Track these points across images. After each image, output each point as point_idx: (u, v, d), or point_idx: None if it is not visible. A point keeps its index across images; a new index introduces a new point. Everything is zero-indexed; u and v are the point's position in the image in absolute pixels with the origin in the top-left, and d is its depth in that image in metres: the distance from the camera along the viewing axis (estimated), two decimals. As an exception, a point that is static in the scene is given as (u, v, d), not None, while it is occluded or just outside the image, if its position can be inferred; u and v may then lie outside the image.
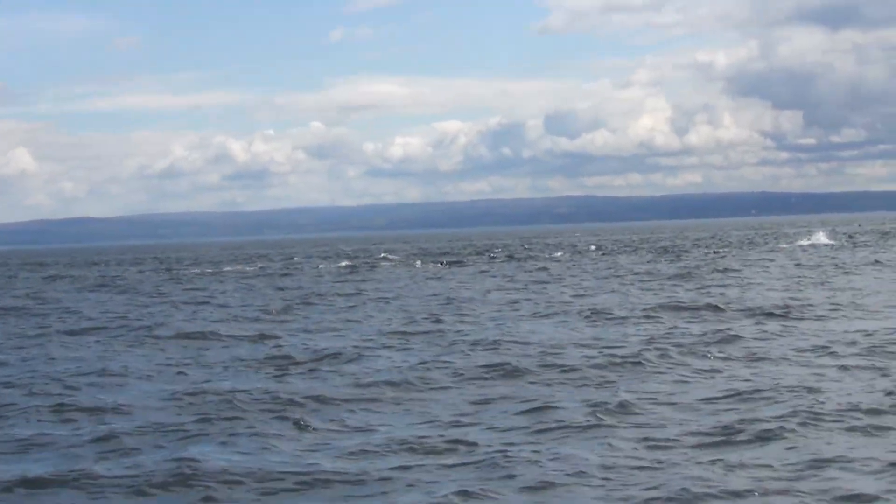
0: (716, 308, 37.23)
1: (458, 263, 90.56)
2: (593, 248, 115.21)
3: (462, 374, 24.70)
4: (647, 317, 35.78)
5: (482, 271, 74.59)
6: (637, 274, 62.82)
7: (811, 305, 37.37)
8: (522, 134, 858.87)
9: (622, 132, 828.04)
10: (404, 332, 34.03)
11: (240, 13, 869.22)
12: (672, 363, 25.21)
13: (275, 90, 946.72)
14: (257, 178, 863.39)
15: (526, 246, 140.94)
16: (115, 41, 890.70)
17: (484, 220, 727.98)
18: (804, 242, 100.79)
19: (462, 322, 37.10)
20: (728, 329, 31.29)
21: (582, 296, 46.65)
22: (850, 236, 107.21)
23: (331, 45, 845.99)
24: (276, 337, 34.22)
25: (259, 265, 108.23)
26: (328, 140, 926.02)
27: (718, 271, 62.17)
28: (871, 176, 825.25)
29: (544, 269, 74.16)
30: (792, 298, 40.33)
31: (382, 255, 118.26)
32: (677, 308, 38.07)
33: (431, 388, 23.16)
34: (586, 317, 36.67)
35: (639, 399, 20.71)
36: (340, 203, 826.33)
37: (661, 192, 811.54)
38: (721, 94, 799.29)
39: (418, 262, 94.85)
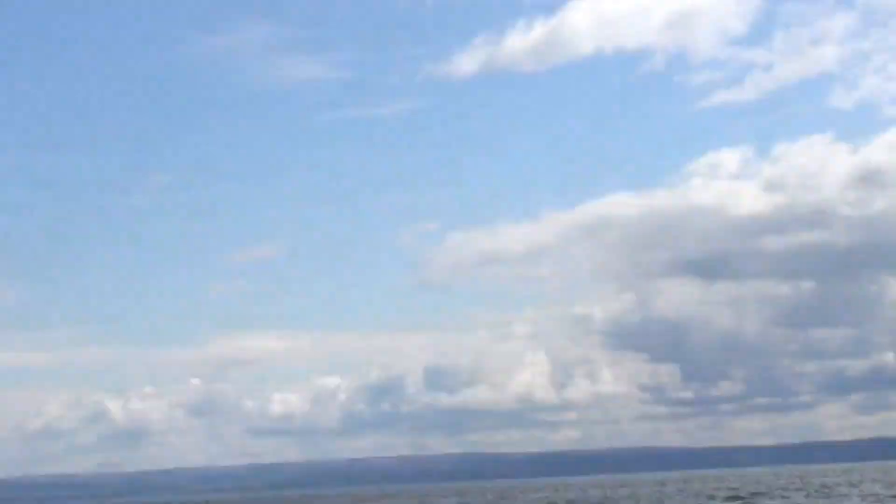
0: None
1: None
2: None
3: None
4: None
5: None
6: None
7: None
8: (402, 389, 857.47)
9: (501, 387, 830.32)
10: None
11: (113, 266, 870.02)
12: None
13: (152, 346, 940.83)
14: (135, 437, 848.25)
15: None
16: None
17: (366, 478, 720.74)
18: None
19: None
20: None
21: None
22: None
23: (208, 300, 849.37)
24: None
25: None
26: (206, 397, 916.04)
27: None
28: (749, 430, 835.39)
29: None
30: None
31: None
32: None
33: None
34: None
35: None
36: (220, 463, 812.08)
37: (541, 447, 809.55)
38: (598, 347, 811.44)
39: None
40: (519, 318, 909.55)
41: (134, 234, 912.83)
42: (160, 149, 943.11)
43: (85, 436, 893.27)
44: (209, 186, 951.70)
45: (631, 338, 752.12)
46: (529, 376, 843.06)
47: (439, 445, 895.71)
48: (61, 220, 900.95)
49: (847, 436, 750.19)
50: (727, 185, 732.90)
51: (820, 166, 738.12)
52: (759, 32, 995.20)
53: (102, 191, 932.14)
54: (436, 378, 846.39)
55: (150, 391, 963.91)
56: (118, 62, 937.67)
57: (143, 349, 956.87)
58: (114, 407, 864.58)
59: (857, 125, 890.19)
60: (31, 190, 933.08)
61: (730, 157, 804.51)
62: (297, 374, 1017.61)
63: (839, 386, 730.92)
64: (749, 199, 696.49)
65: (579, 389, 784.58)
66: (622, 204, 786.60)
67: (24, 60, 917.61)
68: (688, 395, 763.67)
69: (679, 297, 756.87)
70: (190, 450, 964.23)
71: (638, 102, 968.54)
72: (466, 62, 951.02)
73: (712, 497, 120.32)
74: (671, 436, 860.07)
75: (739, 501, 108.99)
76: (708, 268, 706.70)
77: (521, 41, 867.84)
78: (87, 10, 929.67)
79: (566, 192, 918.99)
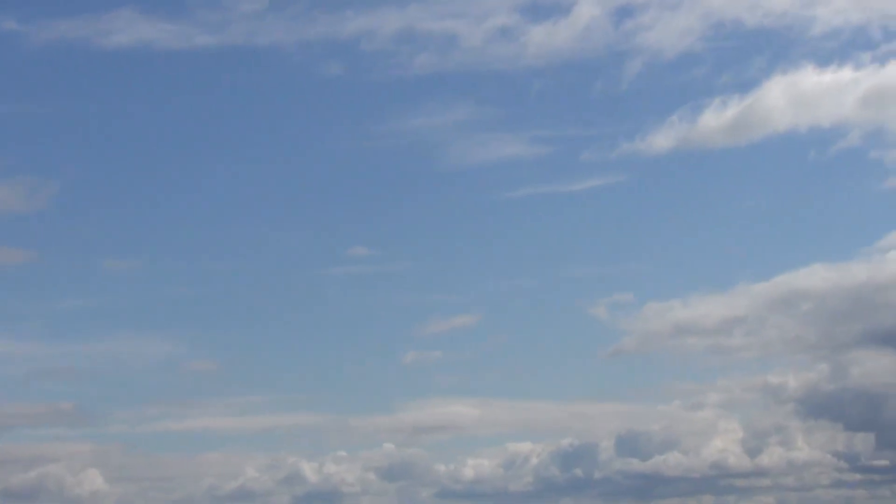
0: None
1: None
2: None
3: None
4: None
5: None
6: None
7: None
8: (594, 455, 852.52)
9: (694, 453, 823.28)
10: None
11: (313, 336, 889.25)
12: None
13: (347, 412, 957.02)
14: (328, 499, 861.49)
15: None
16: (191, 364, 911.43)
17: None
18: None
19: None
20: None
21: None
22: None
23: (402, 368, 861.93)
24: None
25: None
26: (399, 461, 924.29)
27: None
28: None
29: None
30: None
31: None
32: None
33: None
34: None
35: None
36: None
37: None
38: (792, 415, 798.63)
39: None
40: (712, 388, 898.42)
41: (334, 305, 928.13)
42: (360, 224, 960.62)
43: (279, 497, 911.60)
44: (406, 259, 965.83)
45: (825, 407, 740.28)
46: (722, 443, 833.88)
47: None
48: (264, 290, 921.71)
49: None
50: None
51: None
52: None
53: (303, 263, 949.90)
54: (628, 444, 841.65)
55: (344, 455, 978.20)
56: (328, 141, 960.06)
57: (338, 416, 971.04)
58: (308, 469, 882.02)
59: None
60: (235, 260, 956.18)
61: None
62: (490, 439, 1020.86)
63: None
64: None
65: (773, 457, 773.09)
66: (817, 276, 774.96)
67: (240, 136, 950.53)
68: (883, 462, 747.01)
69: (874, 368, 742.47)
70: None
71: (833, 177, 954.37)
72: (661, 139, 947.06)
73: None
74: (865, 502, 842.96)
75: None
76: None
77: (715, 119, 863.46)
78: (300, 95, 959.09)
79: (760, 265, 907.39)
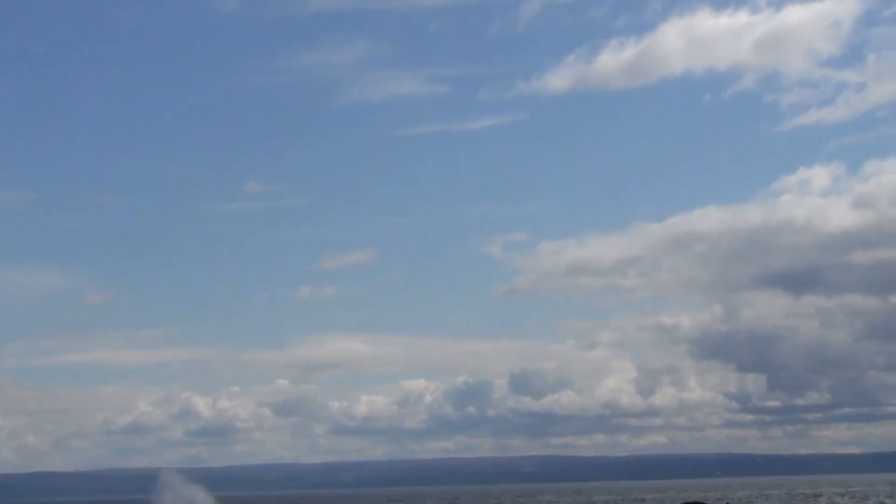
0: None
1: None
2: None
3: None
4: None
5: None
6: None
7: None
8: (488, 393, 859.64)
9: (587, 392, 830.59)
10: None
11: (207, 271, 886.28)
12: None
13: (240, 348, 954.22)
14: (222, 434, 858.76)
15: None
16: (86, 297, 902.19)
17: (449, 478, 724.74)
18: None
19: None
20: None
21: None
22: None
23: (296, 304, 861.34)
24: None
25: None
26: (293, 397, 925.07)
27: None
28: (835, 438, 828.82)
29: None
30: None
31: None
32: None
33: None
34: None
35: None
36: (305, 460, 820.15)
37: (626, 452, 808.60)
38: (685, 356, 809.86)
39: None
40: (606, 328, 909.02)
41: (228, 240, 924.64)
42: (256, 159, 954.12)
43: (173, 432, 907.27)
44: (302, 196, 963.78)
45: (718, 348, 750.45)
46: (615, 383, 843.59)
47: (524, 447, 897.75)
48: (158, 224, 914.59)
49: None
50: (817, 202, 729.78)
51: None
52: (850, 54, 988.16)
53: (198, 197, 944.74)
54: (522, 383, 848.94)
55: (238, 390, 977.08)
56: (222, 76, 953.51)
57: (232, 351, 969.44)
58: (202, 404, 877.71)
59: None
60: (130, 194, 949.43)
61: (820, 175, 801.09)
62: (384, 377, 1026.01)
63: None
64: (838, 216, 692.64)
65: (665, 396, 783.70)
66: (711, 218, 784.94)
67: (134, 70, 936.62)
68: (774, 403, 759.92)
69: (767, 310, 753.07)
70: (276, 447, 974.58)
71: (728, 121, 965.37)
72: (558, 80, 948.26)
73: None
74: (757, 443, 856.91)
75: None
76: (796, 281, 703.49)
77: (612, 60, 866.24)
78: (194, 31, 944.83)
79: (655, 206, 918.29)
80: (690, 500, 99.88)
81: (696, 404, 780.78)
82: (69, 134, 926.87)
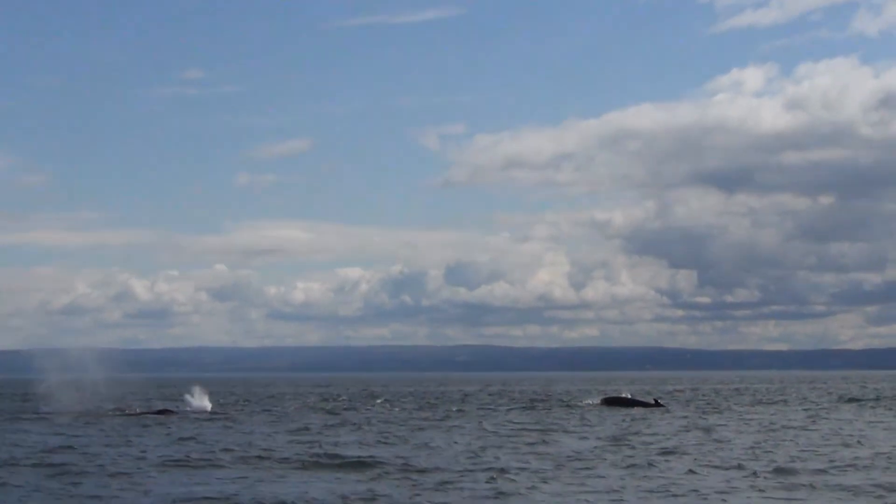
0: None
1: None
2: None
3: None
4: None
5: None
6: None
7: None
8: (423, 283, 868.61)
9: (521, 284, 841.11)
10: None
11: (145, 155, 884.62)
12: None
13: (178, 232, 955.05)
14: (160, 317, 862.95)
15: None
16: (22, 178, 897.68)
17: (384, 365, 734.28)
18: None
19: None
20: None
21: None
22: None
23: (234, 190, 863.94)
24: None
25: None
26: (230, 282, 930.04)
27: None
28: (763, 335, 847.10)
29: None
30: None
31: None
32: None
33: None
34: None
35: None
36: (242, 344, 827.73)
37: (558, 343, 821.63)
38: (618, 250, 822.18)
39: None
40: (540, 221, 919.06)
41: (166, 124, 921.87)
42: (194, 46, 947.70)
43: (111, 313, 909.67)
44: (240, 83, 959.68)
45: (650, 244, 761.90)
46: (548, 275, 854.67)
47: (458, 336, 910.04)
48: (95, 106, 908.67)
49: (860, 344, 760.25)
50: (750, 102, 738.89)
51: (842, 87, 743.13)
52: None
53: (137, 82, 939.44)
54: (457, 274, 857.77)
55: (176, 274, 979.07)
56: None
57: (170, 235, 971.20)
58: (139, 287, 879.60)
59: (881, 50, 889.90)
60: (65, 75, 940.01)
61: (753, 76, 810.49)
62: (320, 264, 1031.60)
63: (854, 297, 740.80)
64: (771, 117, 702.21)
65: (598, 290, 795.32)
66: (645, 115, 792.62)
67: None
68: (704, 299, 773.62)
69: (699, 207, 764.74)
70: (214, 331, 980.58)
71: (663, 19, 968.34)
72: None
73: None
74: (686, 338, 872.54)
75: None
76: (728, 180, 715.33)
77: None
78: None
79: (590, 101, 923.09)
80: (614, 395, 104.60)
81: (628, 298, 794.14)
82: (3, 14, 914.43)
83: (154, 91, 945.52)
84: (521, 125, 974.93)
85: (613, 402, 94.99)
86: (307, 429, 62.29)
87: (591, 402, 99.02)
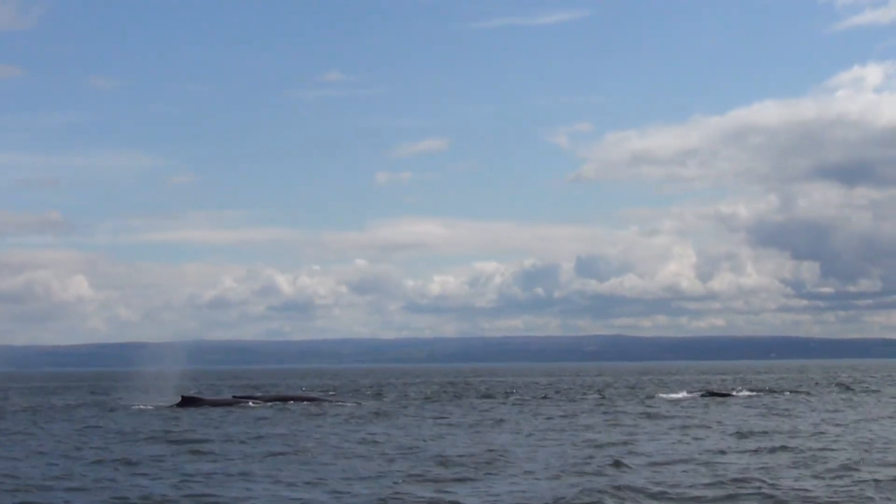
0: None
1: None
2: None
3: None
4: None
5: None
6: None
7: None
8: (555, 275, 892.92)
9: (649, 276, 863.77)
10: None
11: (288, 156, 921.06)
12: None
13: (321, 229, 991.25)
14: (302, 310, 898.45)
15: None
16: (172, 178, 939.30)
17: (517, 355, 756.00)
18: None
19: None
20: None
21: None
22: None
23: (374, 188, 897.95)
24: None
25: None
26: (370, 276, 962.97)
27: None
28: (886, 324, 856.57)
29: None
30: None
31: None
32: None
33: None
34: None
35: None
36: (381, 336, 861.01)
37: (685, 333, 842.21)
38: (743, 243, 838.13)
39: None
40: (667, 215, 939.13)
41: (309, 126, 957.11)
42: (335, 49, 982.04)
43: (255, 307, 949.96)
44: (378, 84, 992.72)
45: (774, 236, 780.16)
46: (676, 267, 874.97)
47: (588, 327, 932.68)
48: (240, 110, 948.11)
49: None
50: (870, 98, 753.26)
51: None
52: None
53: (280, 85, 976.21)
54: (587, 266, 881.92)
55: (318, 269, 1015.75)
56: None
57: (312, 232, 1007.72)
58: (283, 281, 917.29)
59: None
60: (211, 81, 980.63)
61: (873, 72, 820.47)
62: (456, 258, 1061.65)
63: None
64: (890, 112, 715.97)
65: (724, 281, 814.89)
66: (768, 111, 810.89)
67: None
68: (827, 289, 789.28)
69: (821, 200, 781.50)
70: (353, 323, 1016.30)
71: (785, 18, 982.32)
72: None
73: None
74: (811, 327, 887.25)
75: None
76: (849, 173, 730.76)
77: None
78: None
79: (715, 99, 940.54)
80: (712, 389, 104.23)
81: (753, 289, 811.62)
82: (158, 22, 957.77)
83: (296, 94, 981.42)
84: (648, 123, 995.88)
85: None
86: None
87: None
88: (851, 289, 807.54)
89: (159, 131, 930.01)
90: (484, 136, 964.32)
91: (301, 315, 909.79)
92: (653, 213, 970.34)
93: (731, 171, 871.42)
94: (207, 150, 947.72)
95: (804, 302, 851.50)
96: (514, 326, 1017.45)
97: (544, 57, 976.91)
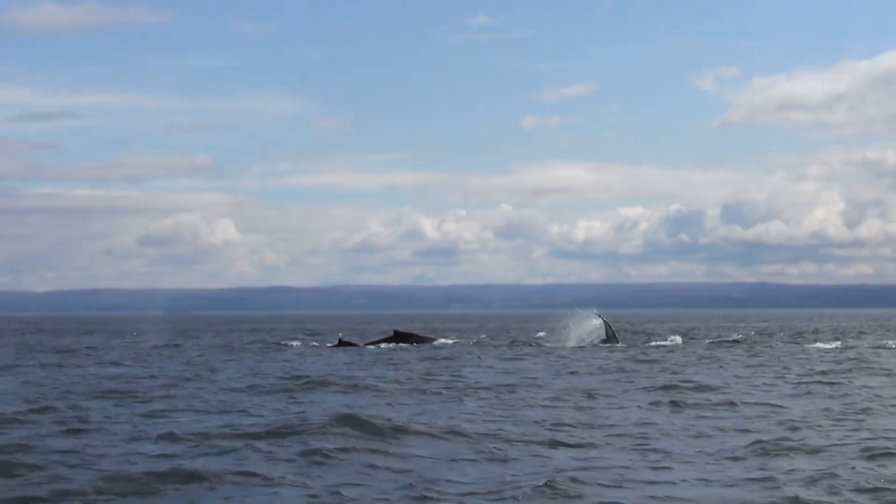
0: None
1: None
2: None
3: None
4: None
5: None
6: None
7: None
8: (700, 221, 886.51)
9: (795, 223, 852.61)
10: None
11: (435, 100, 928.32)
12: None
13: (466, 173, 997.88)
14: (447, 255, 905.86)
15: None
16: (319, 122, 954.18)
17: (662, 302, 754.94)
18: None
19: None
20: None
21: None
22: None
23: (521, 132, 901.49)
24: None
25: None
26: (515, 221, 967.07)
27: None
28: None
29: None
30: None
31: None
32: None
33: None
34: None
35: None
36: (526, 281, 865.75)
37: (833, 281, 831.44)
38: (890, 189, 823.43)
39: None
40: (814, 161, 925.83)
41: (456, 70, 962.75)
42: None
43: (400, 252, 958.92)
44: (524, 28, 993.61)
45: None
46: (823, 214, 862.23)
47: (734, 274, 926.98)
48: (387, 53, 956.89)
49: None
50: None
51: None
52: None
53: (426, 30, 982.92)
54: (733, 212, 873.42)
55: (463, 213, 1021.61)
56: None
57: (458, 175, 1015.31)
58: (428, 226, 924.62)
59: None
60: (358, 24, 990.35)
61: None
62: (602, 203, 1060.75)
63: None
64: None
65: (871, 228, 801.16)
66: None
67: None
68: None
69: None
70: (499, 268, 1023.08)
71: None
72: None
73: None
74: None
75: None
76: None
77: None
78: None
79: (863, 43, 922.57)
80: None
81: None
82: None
83: (444, 38, 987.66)
84: (796, 68, 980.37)
85: None
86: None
87: None
88: None
89: (306, 75, 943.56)
90: (631, 80, 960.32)
91: (446, 260, 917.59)
92: (800, 158, 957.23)
93: (879, 117, 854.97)
94: (354, 94, 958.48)
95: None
96: (659, 273, 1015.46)
97: (690, 1, 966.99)
